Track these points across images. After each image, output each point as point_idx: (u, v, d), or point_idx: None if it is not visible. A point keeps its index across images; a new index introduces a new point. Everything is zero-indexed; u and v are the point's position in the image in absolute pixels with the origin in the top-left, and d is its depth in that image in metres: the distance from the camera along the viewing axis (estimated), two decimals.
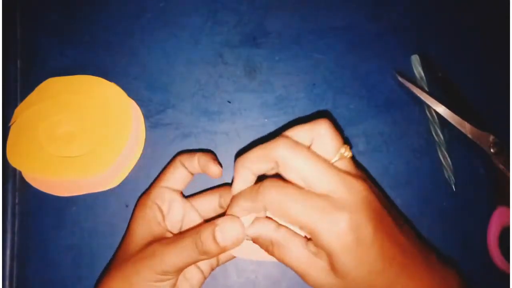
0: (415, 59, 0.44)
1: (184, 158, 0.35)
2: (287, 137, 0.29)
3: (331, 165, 0.28)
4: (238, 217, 0.29)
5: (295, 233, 0.29)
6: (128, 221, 0.39)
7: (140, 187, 0.41)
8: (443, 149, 0.42)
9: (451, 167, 0.42)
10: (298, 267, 0.28)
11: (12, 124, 0.41)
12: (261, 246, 0.29)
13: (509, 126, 0.42)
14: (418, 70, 0.44)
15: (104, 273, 0.34)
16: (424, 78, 0.44)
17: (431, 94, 0.42)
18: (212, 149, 0.42)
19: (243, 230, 0.29)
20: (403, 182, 0.42)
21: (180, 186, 0.36)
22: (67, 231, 0.41)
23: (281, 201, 0.27)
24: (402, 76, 0.43)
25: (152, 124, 0.43)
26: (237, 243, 0.29)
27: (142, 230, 0.33)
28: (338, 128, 0.30)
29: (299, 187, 0.27)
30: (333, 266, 0.27)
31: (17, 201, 0.41)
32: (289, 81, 0.44)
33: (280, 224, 0.30)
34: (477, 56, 0.45)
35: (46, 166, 0.40)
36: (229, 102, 0.43)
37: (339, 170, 0.28)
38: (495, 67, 0.44)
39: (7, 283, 0.40)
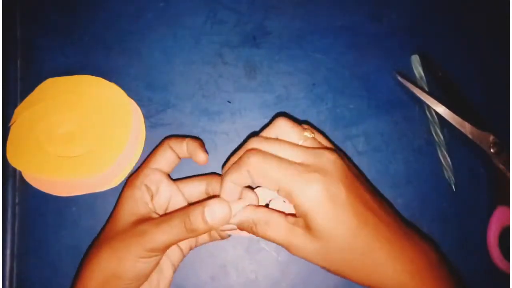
0: (415, 59, 0.44)
1: (173, 142, 0.36)
2: (252, 149, 0.31)
3: (299, 145, 0.31)
4: (225, 200, 0.31)
5: (273, 210, 0.32)
6: None
7: None
8: (443, 149, 0.42)
9: (451, 167, 0.42)
10: (280, 239, 0.30)
11: (12, 124, 0.41)
12: (246, 229, 0.32)
13: (509, 126, 0.42)
14: (418, 70, 0.44)
15: (91, 247, 0.34)
16: (424, 78, 0.44)
17: (431, 94, 0.42)
18: (212, 149, 0.42)
19: (229, 211, 0.30)
20: (403, 182, 0.42)
21: (168, 168, 0.36)
22: (67, 231, 0.41)
23: (261, 164, 0.29)
24: (402, 76, 0.43)
25: (152, 124, 0.43)
26: (223, 223, 0.31)
27: (130, 209, 0.33)
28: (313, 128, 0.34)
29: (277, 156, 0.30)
30: (310, 229, 0.29)
31: (17, 201, 0.41)
32: (289, 81, 0.44)
33: (258, 206, 0.32)
34: (477, 56, 0.45)
35: (46, 166, 0.40)
36: (229, 102, 0.43)
37: (308, 147, 0.31)
38: (495, 67, 0.44)
39: (7, 283, 0.40)
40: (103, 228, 0.35)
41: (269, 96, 0.43)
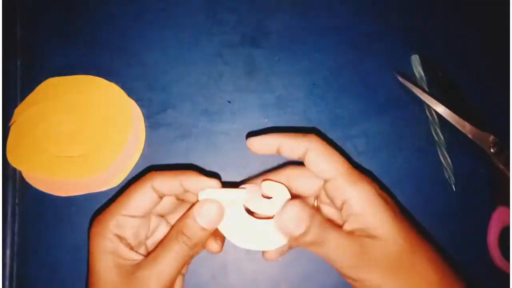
0: (415, 59, 0.44)
1: (157, 182, 0.29)
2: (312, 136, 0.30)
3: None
4: (207, 200, 0.28)
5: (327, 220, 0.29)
6: None
7: None
8: (443, 149, 0.42)
9: (451, 167, 0.42)
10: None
11: (12, 124, 0.41)
12: (305, 245, 0.29)
13: (509, 126, 0.42)
14: (418, 70, 0.44)
15: None
16: (424, 78, 0.44)
17: (431, 94, 0.42)
18: (212, 149, 0.42)
19: (218, 205, 0.28)
20: (403, 182, 0.42)
21: (146, 212, 0.30)
22: (67, 231, 0.41)
23: (326, 147, 0.29)
24: (402, 76, 0.43)
25: (152, 124, 0.43)
26: (218, 221, 0.29)
27: (109, 264, 0.28)
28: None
29: None
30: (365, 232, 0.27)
31: (17, 201, 0.41)
32: (289, 81, 0.44)
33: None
34: (477, 56, 0.45)
35: (46, 166, 0.40)
36: (229, 102, 0.43)
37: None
38: (495, 67, 0.44)
39: (7, 283, 0.40)
40: None
41: (269, 96, 0.43)
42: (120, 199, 0.30)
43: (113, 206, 0.30)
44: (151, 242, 0.32)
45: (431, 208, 0.42)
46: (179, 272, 0.29)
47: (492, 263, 0.40)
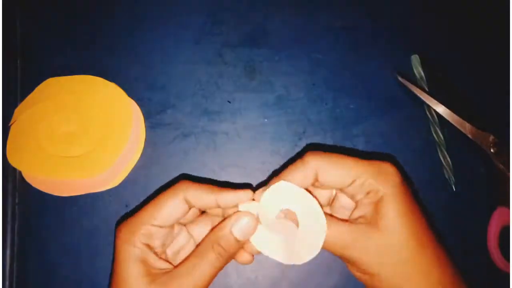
0: (415, 59, 0.44)
1: (190, 195, 0.29)
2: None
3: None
4: (242, 213, 0.29)
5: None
6: None
7: (140, 187, 0.41)
8: (443, 149, 0.42)
9: (451, 167, 0.42)
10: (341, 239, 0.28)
11: (12, 124, 0.41)
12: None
13: (509, 126, 0.42)
14: (418, 70, 0.44)
15: None
16: (424, 78, 0.44)
17: (431, 94, 0.42)
18: (212, 149, 0.42)
19: (254, 219, 0.28)
20: None
21: (175, 222, 0.30)
22: (67, 231, 0.41)
23: (334, 158, 0.28)
24: (402, 76, 0.43)
25: (152, 124, 0.43)
26: (253, 231, 0.29)
27: (138, 272, 0.28)
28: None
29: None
30: (376, 219, 0.27)
31: (17, 201, 0.41)
32: (289, 81, 0.44)
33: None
34: (477, 56, 0.45)
35: (46, 166, 0.40)
36: (229, 102, 0.43)
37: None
38: (495, 67, 0.44)
39: (7, 283, 0.40)
40: None
41: (269, 96, 0.43)
42: (150, 207, 0.29)
43: (143, 214, 0.29)
44: (170, 251, 0.31)
45: (431, 208, 0.42)
46: (211, 282, 0.28)
47: (492, 263, 0.40)
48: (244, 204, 0.29)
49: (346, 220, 0.29)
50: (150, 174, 0.41)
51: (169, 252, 0.31)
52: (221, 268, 0.28)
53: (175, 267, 0.28)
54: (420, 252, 0.27)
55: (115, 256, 0.29)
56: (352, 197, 0.29)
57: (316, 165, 0.28)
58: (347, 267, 0.30)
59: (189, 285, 0.27)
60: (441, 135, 0.43)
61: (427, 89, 0.43)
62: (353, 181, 0.28)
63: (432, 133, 0.43)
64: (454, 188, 0.42)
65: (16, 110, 0.42)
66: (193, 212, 0.32)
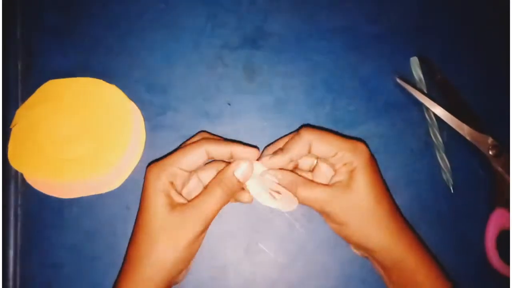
0: (414, 61, 0.44)
1: (211, 147, 0.36)
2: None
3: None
4: (242, 160, 0.36)
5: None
6: (128, 223, 0.40)
7: (141, 189, 0.41)
8: (441, 151, 0.43)
9: (450, 169, 0.42)
10: (320, 193, 0.35)
11: (13, 126, 0.41)
12: (289, 187, 0.36)
13: (508, 129, 0.43)
14: (417, 72, 0.44)
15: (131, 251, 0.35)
16: (423, 80, 0.44)
17: (430, 96, 0.42)
18: None
19: (249, 164, 0.36)
20: (402, 184, 0.43)
21: (195, 167, 0.36)
22: (68, 232, 0.41)
23: (325, 134, 0.36)
24: (401, 78, 0.43)
25: (152, 126, 0.43)
26: (250, 174, 0.36)
27: (163, 201, 0.34)
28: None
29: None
30: (351, 184, 0.35)
31: (19, 202, 0.42)
32: (289, 83, 0.44)
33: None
34: (476, 58, 0.45)
35: (47, 168, 0.40)
36: (229, 104, 0.43)
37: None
38: (494, 70, 0.44)
39: (10, 283, 0.41)
40: (137, 223, 0.35)
41: (268, 98, 0.44)
42: (177, 154, 0.36)
43: (170, 159, 0.35)
44: (185, 191, 0.38)
45: (429, 210, 0.42)
46: (216, 213, 0.35)
47: (490, 265, 0.41)
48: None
49: (326, 184, 0.36)
50: None
51: (184, 191, 0.38)
52: (225, 203, 0.35)
53: (190, 201, 0.35)
54: (380, 208, 0.35)
55: (144, 188, 0.35)
56: (332, 166, 0.37)
57: (309, 139, 0.35)
58: (325, 221, 0.37)
59: (201, 213, 0.34)
60: (439, 137, 0.43)
61: (426, 91, 0.44)
62: (335, 154, 0.35)
63: (430, 135, 0.43)
64: (452, 190, 0.42)
65: (18, 112, 0.42)
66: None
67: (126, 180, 0.42)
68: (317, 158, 0.39)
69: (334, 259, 0.42)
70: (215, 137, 0.40)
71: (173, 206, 0.34)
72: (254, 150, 0.36)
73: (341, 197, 0.35)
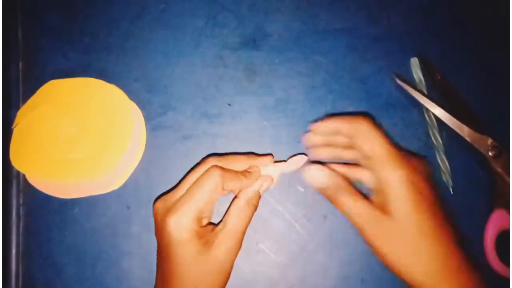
0: (414, 62, 0.44)
1: (226, 183, 0.34)
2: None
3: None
4: (266, 176, 0.38)
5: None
6: (129, 223, 0.40)
7: (141, 189, 0.42)
8: (441, 152, 0.43)
9: (449, 170, 0.42)
10: (353, 208, 0.33)
11: (15, 126, 0.42)
12: (327, 192, 0.34)
13: (508, 130, 0.43)
14: (417, 73, 0.44)
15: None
16: (423, 81, 0.44)
17: (430, 97, 0.42)
18: (212, 151, 0.42)
19: (271, 180, 0.38)
20: None
21: (214, 202, 0.35)
22: (70, 232, 0.42)
23: (375, 129, 0.34)
24: (401, 79, 0.43)
25: (153, 126, 0.43)
26: (268, 189, 0.38)
27: (195, 246, 0.33)
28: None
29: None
30: (384, 207, 0.32)
31: (21, 202, 0.42)
32: (289, 83, 0.44)
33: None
34: (476, 59, 0.44)
35: (48, 169, 0.40)
36: (229, 104, 0.44)
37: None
38: (494, 71, 0.44)
39: (13, 282, 0.41)
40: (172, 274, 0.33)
41: (269, 98, 0.44)
42: (194, 194, 0.34)
43: (188, 203, 0.33)
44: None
45: None
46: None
47: (489, 266, 0.41)
48: (263, 168, 0.38)
49: (370, 200, 0.34)
50: (151, 176, 0.42)
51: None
52: (252, 216, 0.36)
53: (216, 225, 0.35)
54: (421, 237, 0.31)
55: (168, 240, 0.32)
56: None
57: (364, 128, 0.34)
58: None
59: (236, 232, 0.34)
60: (439, 138, 0.43)
61: (426, 92, 0.44)
62: (369, 157, 0.33)
63: (430, 136, 0.43)
64: (451, 191, 0.43)
65: (19, 113, 0.42)
66: None
67: (127, 180, 0.42)
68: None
69: (334, 259, 0.42)
70: (226, 170, 0.36)
71: (203, 237, 0.33)
72: (262, 179, 0.37)
73: (376, 220, 0.32)
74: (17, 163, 0.41)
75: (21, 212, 0.42)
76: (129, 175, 0.42)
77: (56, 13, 0.45)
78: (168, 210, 0.33)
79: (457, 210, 0.42)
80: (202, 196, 0.33)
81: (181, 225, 0.32)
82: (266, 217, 0.42)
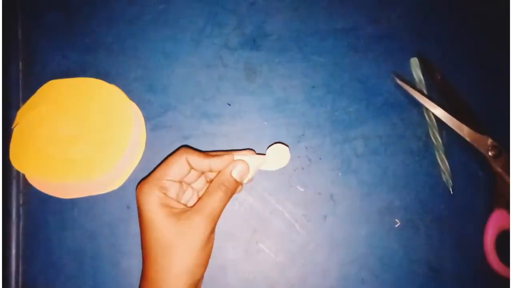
0: (414, 62, 0.44)
1: (190, 157, 0.36)
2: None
3: None
4: (239, 160, 0.37)
5: None
6: (129, 223, 0.40)
7: None
8: (441, 152, 0.43)
9: (449, 170, 0.42)
10: None
11: (15, 126, 0.42)
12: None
13: (508, 129, 0.43)
14: (417, 73, 0.44)
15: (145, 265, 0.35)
16: (423, 81, 0.44)
17: (429, 97, 0.42)
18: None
19: (246, 164, 0.37)
20: (401, 185, 0.43)
21: (182, 177, 0.37)
22: (69, 232, 0.42)
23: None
24: (401, 79, 0.43)
25: (152, 126, 0.43)
26: (247, 174, 0.37)
27: (162, 216, 0.34)
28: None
29: None
30: None
31: (21, 202, 0.42)
32: (289, 83, 0.44)
33: None
34: (476, 59, 0.44)
35: (48, 169, 0.40)
36: (229, 104, 0.44)
37: None
38: (494, 71, 0.44)
39: (13, 282, 0.41)
40: (147, 245, 0.34)
41: (268, 98, 0.44)
42: (161, 168, 0.36)
43: (155, 174, 0.36)
44: (183, 202, 0.38)
45: (428, 211, 0.43)
46: (221, 214, 0.36)
47: (489, 266, 0.41)
48: (237, 155, 0.38)
49: None
50: None
51: (182, 201, 0.38)
52: (227, 202, 0.36)
53: (191, 206, 0.35)
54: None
55: (140, 208, 0.35)
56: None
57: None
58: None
59: (207, 215, 0.34)
60: (439, 138, 0.43)
61: (425, 92, 0.44)
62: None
63: (430, 136, 0.43)
64: (451, 191, 0.43)
65: (19, 113, 0.42)
66: (194, 173, 0.38)
67: (127, 180, 0.42)
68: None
69: (334, 259, 0.42)
70: (195, 150, 0.39)
71: (176, 214, 0.34)
72: (229, 156, 0.37)
73: None
74: (17, 163, 0.41)
75: (21, 212, 0.42)
76: (128, 175, 0.42)
77: (56, 13, 0.45)
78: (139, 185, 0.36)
79: (457, 210, 0.43)
80: (166, 166, 0.36)
81: (145, 190, 0.35)
82: (266, 217, 0.42)
